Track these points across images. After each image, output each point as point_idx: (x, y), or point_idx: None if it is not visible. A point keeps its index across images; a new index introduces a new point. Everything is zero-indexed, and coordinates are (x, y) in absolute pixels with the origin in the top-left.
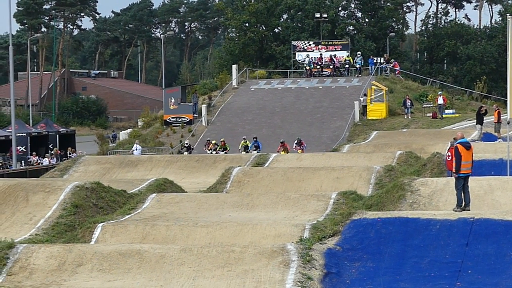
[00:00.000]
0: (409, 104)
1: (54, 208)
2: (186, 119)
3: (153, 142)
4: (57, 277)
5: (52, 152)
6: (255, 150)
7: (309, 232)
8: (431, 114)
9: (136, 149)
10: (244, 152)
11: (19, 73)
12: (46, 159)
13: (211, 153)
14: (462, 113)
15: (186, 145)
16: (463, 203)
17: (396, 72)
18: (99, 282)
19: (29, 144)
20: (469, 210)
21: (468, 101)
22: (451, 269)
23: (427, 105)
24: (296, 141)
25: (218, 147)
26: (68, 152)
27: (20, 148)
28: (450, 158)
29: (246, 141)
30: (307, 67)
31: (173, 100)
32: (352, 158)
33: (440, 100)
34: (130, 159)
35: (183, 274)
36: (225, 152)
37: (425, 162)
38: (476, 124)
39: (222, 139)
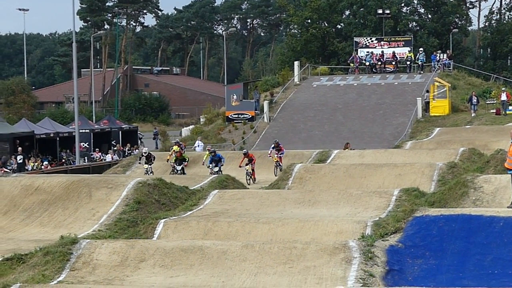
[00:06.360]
0: (475, 100)
1: (117, 204)
2: (248, 115)
3: (215, 138)
4: (119, 272)
5: (115, 148)
6: (215, 166)
7: (371, 229)
8: (494, 111)
9: (198, 145)
10: (212, 165)
11: (82, 70)
12: (109, 155)
13: (172, 164)
14: None
15: (145, 154)
16: None
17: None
18: (162, 278)
19: (92, 141)
20: None
21: None
22: None
23: (490, 102)
24: (272, 145)
25: (173, 159)
26: (127, 149)
27: (83, 145)
28: None
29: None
30: (367, 63)
31: (235, 96)
32: (414, 154)
33: (504, 97)
34: (192, 155)
35: (245, 270)
36: (181, 167)
37: (489, 159)
38: None
39: (176, 147)
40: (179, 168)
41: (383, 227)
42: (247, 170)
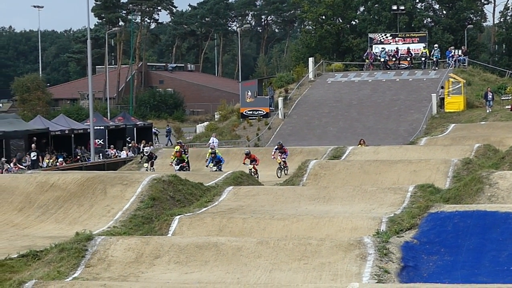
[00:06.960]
0: (490, 96)
1: (132, 201)
2: (262, 112)
3: (229, 135)
4: (134, 269)
5: (130, 145)
6: (214, 166)
7: (386, 225)
8: (509, 107)
9: (213, 141)
10: (212, 165)
11: (97, 67)
12: (124, 152)
13: (170, 164)
14: None
15: (147, 154)
16: None
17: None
18: (176, 274)
19: (107, 137)
20: None
21: None
22: None
23: (505, 98)
24: (276, 146)
25: (173, 159)
26: (142, 145)
27: (98, 141)
28: None
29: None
30: (381, 60)
31: (249, 93)
32: (429, 151)
33: None
34: (207, 152)
35: (260, 267)
36: (181, 166)
37: (504, 155)
38: None
39: (178, 147)
40: (176, 168)
41: (398, 224)
42: (250, 169)
